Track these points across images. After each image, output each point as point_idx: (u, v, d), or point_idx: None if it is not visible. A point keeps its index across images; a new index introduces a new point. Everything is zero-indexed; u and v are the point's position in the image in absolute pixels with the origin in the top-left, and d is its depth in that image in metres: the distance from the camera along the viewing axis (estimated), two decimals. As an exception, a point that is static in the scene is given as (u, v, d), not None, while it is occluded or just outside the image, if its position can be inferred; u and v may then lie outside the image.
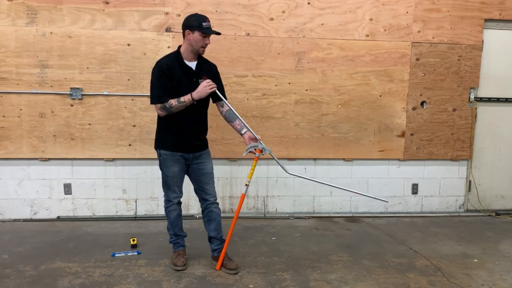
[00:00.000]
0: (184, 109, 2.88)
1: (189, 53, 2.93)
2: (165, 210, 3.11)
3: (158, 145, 3.02)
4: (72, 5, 3.84)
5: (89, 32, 3.89)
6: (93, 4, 3.86)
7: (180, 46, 2.98)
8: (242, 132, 3.01)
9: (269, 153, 2.99)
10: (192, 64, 2.96)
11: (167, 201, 3.09)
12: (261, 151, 2.95)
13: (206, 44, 2.91)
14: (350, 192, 4.38)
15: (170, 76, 2.88)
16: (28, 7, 3.80)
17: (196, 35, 2.86)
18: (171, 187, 3.04)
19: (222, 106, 3.07)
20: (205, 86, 2.86)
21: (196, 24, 2.85)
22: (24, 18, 3.81)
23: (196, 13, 2.97)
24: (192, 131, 2.97)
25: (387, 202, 3.96)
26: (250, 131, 2.96)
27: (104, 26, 3.90)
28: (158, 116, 3.00)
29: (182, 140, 2.95)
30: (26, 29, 3.82)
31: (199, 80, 2.94)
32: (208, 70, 3.04)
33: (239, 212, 3.06)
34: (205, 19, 2.89)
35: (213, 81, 2.93)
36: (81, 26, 3.88)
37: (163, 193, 4.19)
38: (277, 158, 4.26)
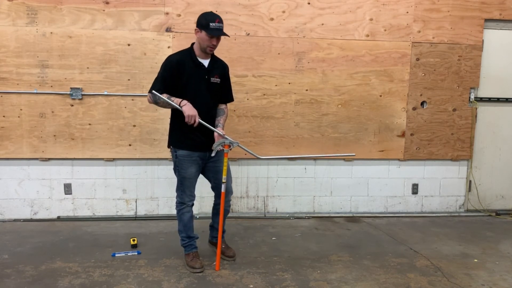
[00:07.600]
0: (196, 107, 2.80)
1: (199, 50, 2.91)
2: (178, 213, 3.04)
3: (175, 144, 2.95)
4: (72, 5, 3.84)
5: (89, 32, 3.89)
6: (93, 4, 3.86)
7: (193, 43, 2.96)
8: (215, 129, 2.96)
9: (238, 145, 2.95)
10: (205, 62, 2.94)
11: (181, 203, 3.02)
12: (229, 146, 2.92)
13: (214, 45, 2.86)
14: (350, 192, 4.44)
15: (178, 72, 2.84)
16: (28, 7, 3.80)
17: (203, 34, 2.82)
18: (186, 189, 2.99)
19: (220, 106, 3.09)
20: (194, 116, 2.76)
21: (204, 23, 2.80)
22: (24, 18, 3.81)
23: (210, 12, 2.93)
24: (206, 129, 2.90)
25: (353, 155, 3.65)
26: (215, 130, 2.89)
27: (104, 26, 3.90)
28: (172, 115, 2.97)
29: (198, 139, 2.90)
30: (26, 29, 3.82)
31: (211, 79, 2.94)
32: (221, 69, 3.04)
33: (223, 210, 3.07)
34: (214, 19, 2.80)
35: (223, 81, 3.02)
36: (81, 26, 3.88)
37: (163, 193, 4.18)
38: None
